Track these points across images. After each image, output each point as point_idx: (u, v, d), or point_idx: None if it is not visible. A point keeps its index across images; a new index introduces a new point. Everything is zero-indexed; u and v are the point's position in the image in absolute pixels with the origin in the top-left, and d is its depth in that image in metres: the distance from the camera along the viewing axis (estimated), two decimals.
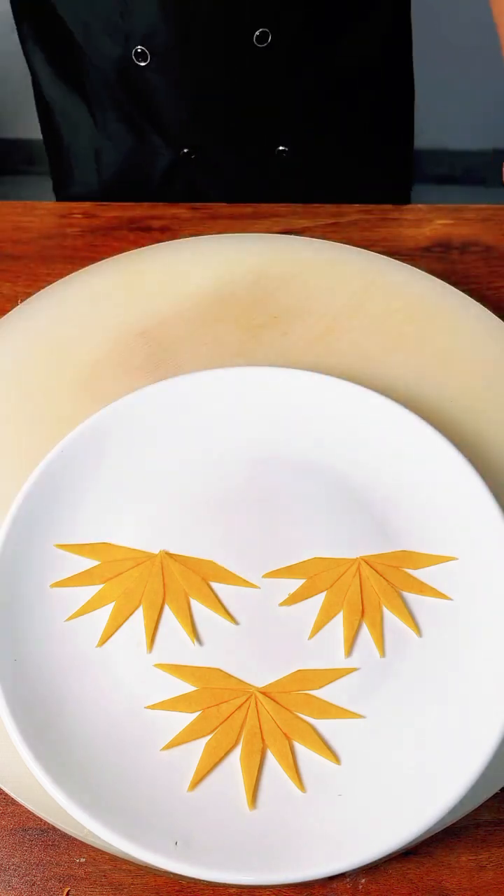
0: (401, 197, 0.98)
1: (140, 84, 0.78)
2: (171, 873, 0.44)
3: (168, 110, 0.80)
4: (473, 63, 1.76)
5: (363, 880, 0.47)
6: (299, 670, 0.48)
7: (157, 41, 0.74)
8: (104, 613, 0.50)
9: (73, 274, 0.69)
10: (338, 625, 0.50)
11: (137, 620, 0.50)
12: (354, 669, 0.48)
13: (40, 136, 0.92)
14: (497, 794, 0.47)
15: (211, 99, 0.78)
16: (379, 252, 0.71)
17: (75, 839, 0.47)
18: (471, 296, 0.67)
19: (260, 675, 0.48)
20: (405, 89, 0.91)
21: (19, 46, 0.84)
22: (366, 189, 0.84)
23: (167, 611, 0.50)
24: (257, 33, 0.73)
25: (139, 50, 0.75)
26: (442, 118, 1.94)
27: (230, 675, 0.48)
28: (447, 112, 1.90)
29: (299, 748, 0.46)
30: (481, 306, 0.67)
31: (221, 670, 0.48)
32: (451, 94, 1.86)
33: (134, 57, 0.75)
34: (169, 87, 0.77)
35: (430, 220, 0.78)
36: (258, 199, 0.76)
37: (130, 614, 0.50)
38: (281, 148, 0.84)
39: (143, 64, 0.75)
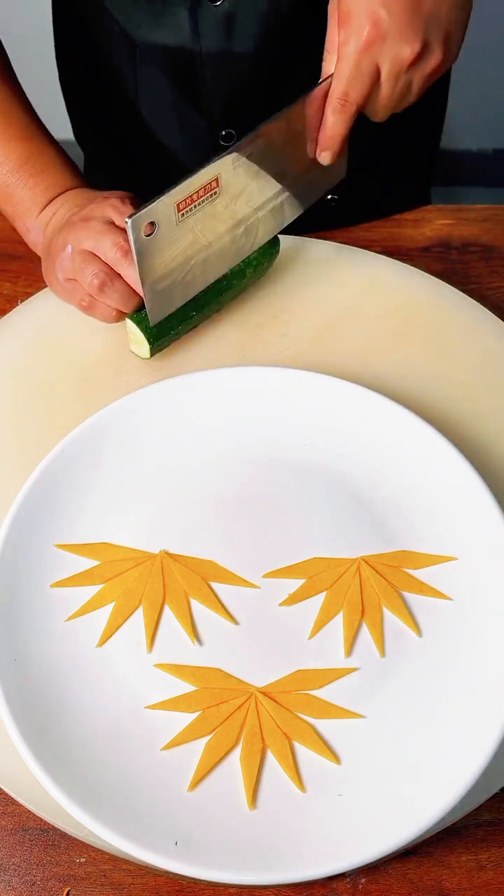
0: (421, 198, 0.97)
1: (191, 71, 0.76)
2: (171, 873, 0.44)
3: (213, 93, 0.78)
4: (474, 63, 1.76)
5: (363, 880, 0.47)
6: (299, 670, 0.48)
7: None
8: (104, 613, 0.50)
9: None
10: (338, 625, 0.50)
11: (137, 620, 0.50)
12: (354, 669, 0.48)
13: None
14: (497, 794, 0.47)
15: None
16: (379, 252, 0.71)
17: (75, 839, 0.47)
18: (471, 296, 0.67)
19: (260, 675, 0.48)
20: (439, 92, 0.90)
21: (17, 48, 0.84)
22: (388, 191, 0.83)
23: (167, 611, 0.50)
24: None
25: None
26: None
27: (230, 675, 0.48)
28: (448, 112, 1.90)
29: (299, 748, 0.46)
30: (481, 306, 0.67)
31: (221, 670, 0.48)
32: (451, 95, 1.86)
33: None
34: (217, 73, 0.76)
35: (430, 220, 0.78)
36: None
37: (130, 614, 0.50)
38: None
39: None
